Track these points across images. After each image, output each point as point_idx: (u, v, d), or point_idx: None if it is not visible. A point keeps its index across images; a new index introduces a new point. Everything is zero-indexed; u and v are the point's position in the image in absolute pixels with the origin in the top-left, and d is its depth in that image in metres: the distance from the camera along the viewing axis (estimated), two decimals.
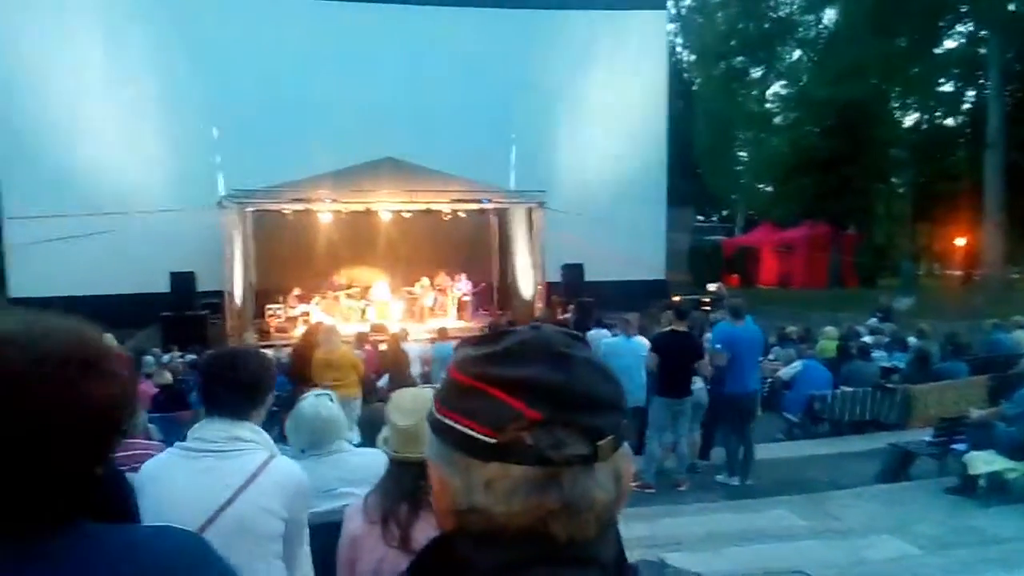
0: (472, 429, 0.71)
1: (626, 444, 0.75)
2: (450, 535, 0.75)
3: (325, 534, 2.29)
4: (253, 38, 19.87)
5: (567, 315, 16.03)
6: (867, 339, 11.71)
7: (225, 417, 2.05)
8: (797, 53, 31.81)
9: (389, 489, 2.17)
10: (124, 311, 14.18)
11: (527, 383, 0.70)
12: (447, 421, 0.74)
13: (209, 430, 2.04)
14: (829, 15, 29.63)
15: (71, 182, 17.92)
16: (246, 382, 2.08)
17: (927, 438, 6.79)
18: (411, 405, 2.20)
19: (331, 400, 2.96)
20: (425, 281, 18.19)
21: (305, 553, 2.16)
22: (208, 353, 2.36)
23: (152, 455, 4.43)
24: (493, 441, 0.69)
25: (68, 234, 15.47)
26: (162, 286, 16.10)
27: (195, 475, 1.96)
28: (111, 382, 0.91)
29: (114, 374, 0.92)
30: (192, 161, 18.53)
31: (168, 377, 8.86)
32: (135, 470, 3.21)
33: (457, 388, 0.74)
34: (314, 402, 2.93)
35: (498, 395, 0.71)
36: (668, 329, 7.02)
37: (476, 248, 20.20)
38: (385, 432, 2.25)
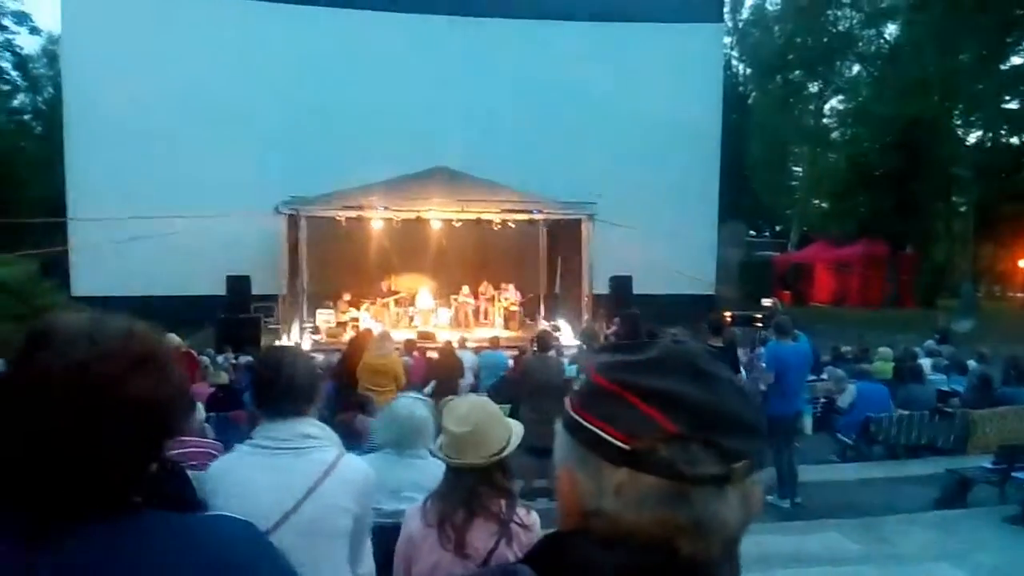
0: (607, 433, 0.71)
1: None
2: (568, 534, 0.76)
3: (385, 534, 2.32)
4: (314, 50, 20.35)
5: (613, 327, 15.93)
6: (924, 361, 11.37)
7: (285, 416, 2.07)
8: (856, 68, 31.20)
9: (446, 494, 2.20)
10: (181, 312, 14.53)
11: (668, 395, 0.71)
12: (582, 421, 0.74)
13: (278, 429, 2.06)
14: (891, 30, 29.04)
15: (134, 186, 18.51)
16: (302, 381, 2.11)
17: (987, 464, 6.57)
18: (466, 413, 2.23)
19: (425, 406, 2.99)
20: (466, 289, 18.28)
21: (367, 548, 2.19)
22: (257, 356, 2.42)
23: (209, 452, 4.55)
24: (627, 447, 0.70)
25: (129, 237, 15.94)
26: (219, 289, 16.50)
27: (271, 472, 1.98)
28: (162, 381, 0.93)
29: (166, 373, 0.95)
30: (251, 168, 18.98)
31: (224, 377, 9.05)
32: (193, 467, 3.30)
33: (596, 391, 0.75)
34: (409, 403, 2.96)
35: (637, 403, 0.71)
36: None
37: (524, 258, 20.23)
38: (440, 439, 2.28)
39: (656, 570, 0.70)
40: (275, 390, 2.08)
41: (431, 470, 2.88)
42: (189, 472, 2.84)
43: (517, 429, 2.34)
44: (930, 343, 14.35)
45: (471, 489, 2.19)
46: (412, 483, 2.76)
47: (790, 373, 6.74)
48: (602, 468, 0.72)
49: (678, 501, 0.69)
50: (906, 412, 8.69)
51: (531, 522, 2.25)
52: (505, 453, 2.27)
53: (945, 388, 9.90)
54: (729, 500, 0.70)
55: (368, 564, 2.18)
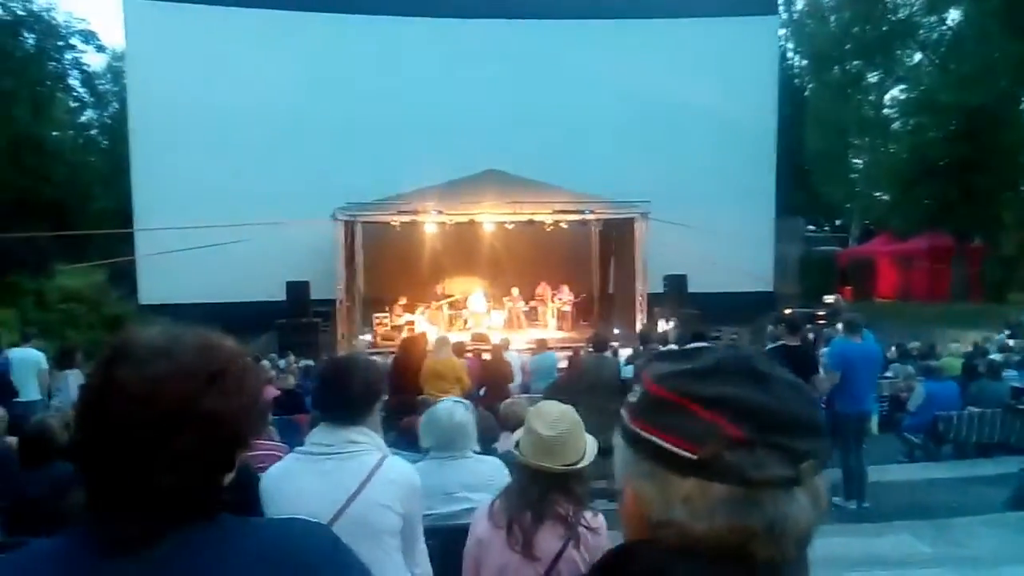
0: (671, 444, 0.71)
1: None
2: (636, 545, 0.76)
3: (444, 536, 2.34)
4: (367, 60, 20.65)
5: (669, 327, 15.76)
6: (996, 357, 10.96)
7: (339, 422, 2.14)
8: (918, 56, 30.22)
9: (515, 496, 2.22)
10: (243, 318, 14.88)
11: (729, 401, 0.71)
12: (643, 433, 0.74)
13: (325, 435, 2.14)
14: (953, 16, 28.05)
15: (197, 196, 19.01)
16: (357, 390, 2.16)
17: None
18: (557, 417, 2.24)
19: (465, 408, 3.02)
20: (515, 292, 18.31)
21: (422, 550, 2.22)
22: (322, 362, 2.49)
23: (275, 455, 4.64)
24: (693, 457, 0.70)
25: (193, 245, 16.40)
26: (279, 295, 16.86)
27: (317, 477, 2.06)
28: (236, 395, 0.96)
29: (241, 387, 0.97)
30: (308, 176, 19.33)
31: (291, 381, 9.26)
32: (261, 468, 3.37)
33: (655, 402, 0.75)
34: (449, 406, 3.01)
35: (698, 411, 0.71)
36: (779, 343, 6.76)
37: (577, 259, 20.19)
38: (519, 437, 2.29)
39: None
40: (334, 398, 2.15)
41: (480, 469, 2.91)
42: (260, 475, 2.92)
43: (592, 441, 2.35)
44: (1001, 338, 13.84)
45: (543, 493, 2.20)
46: (462, 484, 2.80)
47: (858, 372, 6.54)
48: (668, 479, 0.71)
49: (749, 506, 0.69)
50: (977, 410, 8.40)
51: (598, 525, 2.25)
52: (584, 463, 2.28)
53: (1017, 384, 9.52)
54: (799, 501, 0.70)
55: (424, 565, 2.22)
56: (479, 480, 2.84)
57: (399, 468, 2.15)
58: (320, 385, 2.23)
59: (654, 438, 0.73)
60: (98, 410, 0.91)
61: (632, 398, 0.79)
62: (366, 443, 2.13)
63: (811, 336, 10.33)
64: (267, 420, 5.07)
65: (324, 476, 2.05)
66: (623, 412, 0.79)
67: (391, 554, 2.06)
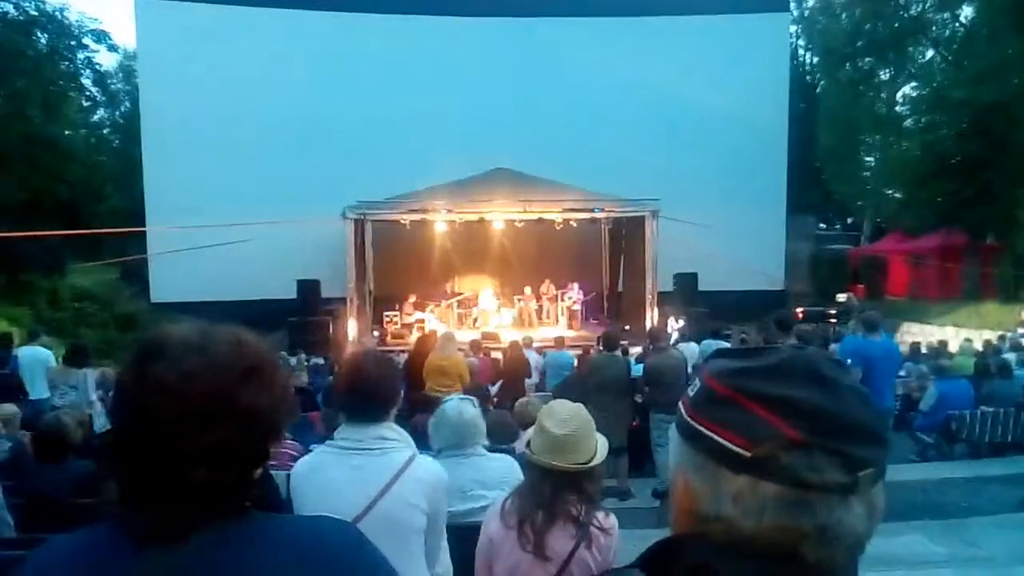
0: (726, 440, 0.71)
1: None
2: (685, 538, 0.76)
3: (461, 533, 2.35)
4: (376, 58, 20.66)
5: (679, 325, 15.72)
6: (1009, 356, 10.89)
7: (366, 419, 2.15)
8: (930, 53, 30.03)
9: (527, 495, 2.22)
10: (254, 316, 14.90)
11: (789, 402, 0.70)
12: (699, 427, 0.74)
13: (354, 431, 2.15)
14: (966, 12, 27.86)
15: (208, 195, 19.12)
16: (382, 389, 2.18)
17: None
18: (568, 416, 2.24)
19: (473, 405, 3.03)
20: (528, 290, 18.31)
21: (444, 548, 2.24)
22: (345, 359, 2.49)
23: (289, 453, 4.65)
24: (747, 454, 0.70)
25: (204, 244, 16.47)
26: (289, 293, 16.92)
27: (348, 472, 2.07)
28: (269, 389, 0.98)
29: (273, 381, 0.99)
30: (319, 174, 19.38)
31: (304, 379, 9.30)
32: (274, 466, 3.39)
33: (714, 397, 0.75)
34: (457, 404, 3.01)
35: (757, 410, 0.71)
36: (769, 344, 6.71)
37: (587, 257, 20.17)
38: (530, 436, 2.29)
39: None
40: (357, 395, 2.16)
41: (492, 466, 2.91)
42: (272, 471, 2.94)
43: (603, 441, 2.35)
44: (1014, 336, 13.75)
45: (555, 492, 2.20)
46: (475, 481, 2.81)
47: (877, 369, 6.50)
48: (720, 474, 0.72)
49: (801, 508, 0.68)
50: (990, 409, 8.34)
51: (609, 525, 2.25)
52: (595, 462, 2.28)
53: None
54: (854, 508, 0.70)
55: (445, 563, 2.23)
56: (493, 477, 2.85)
57: (428, 467, 2.16)
58: (345, 381, 2.22)
59: (709, 432, 0.73)
60: (135, 405, 0.92)
61: (691, 392, 0.79)
62: (396, 440, 2.15)
63: (810, 334, 10.25)
64: (296, 414, 5.09)
65: (354, 471, 2.07)
66: (681, 405, 0.79)
67: (415, 553, 2.07)
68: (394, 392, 2.25)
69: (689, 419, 0.76)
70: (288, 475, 4.31)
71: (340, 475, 2.07)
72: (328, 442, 2.20)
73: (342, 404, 2.22)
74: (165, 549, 0.90)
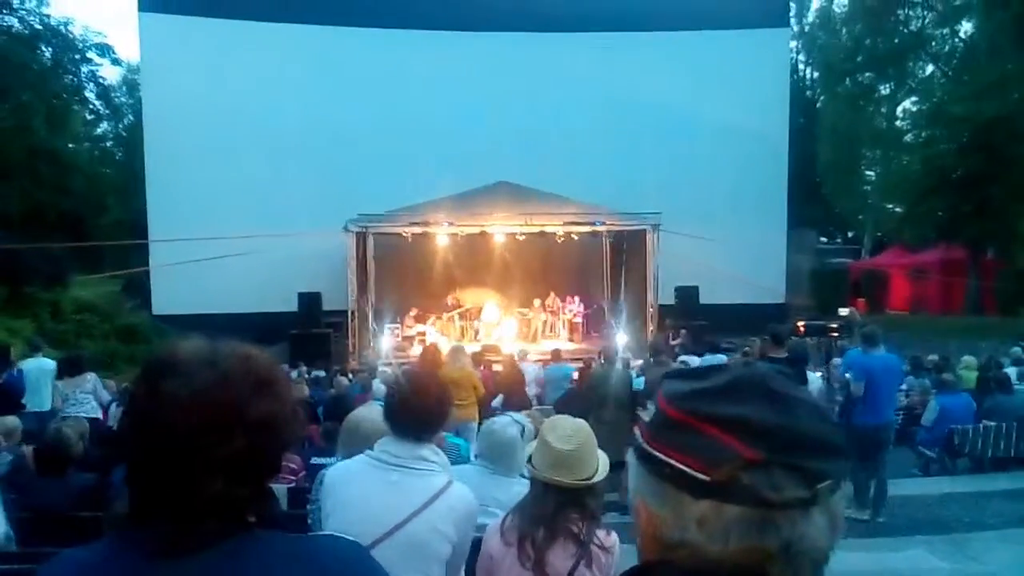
0: (685, 465, 0.70)
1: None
2: (653, 566, 0.75)
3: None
4: (379, 71, 20.76)
5: (679, 339, 15.71)
6: (1010, 370, 10.86)
7: (409, 437, 2.14)
8: (930, 68, 30.18)
9: (528, 511, 2.20)
10: (255, 329, 14.92)
11: (743, 422, 0.70)
12: (657, 454, 0.73)
13: (396, 446, 2.13)
14: (966, 28, 28.02)
15: (210, 207, 19.15)
16: (435, 410, 2.18)
17: None
18: (571, 432, 2.23)
19: (518, 429, 2.97)
20: (536, 303, 18.31)
21: (461, 574, 2.22)
22: (399, 376, 2.48)
23: (289, 467, 4.63)
24: (707, 479, 0.69)
25: (206, 256, 16.50)
26: (291, 305, 16.92)
27: (383, 486, 2.06)
28: (280, 401, 0.99)
29: (283, 393, 1.01)
30: (320, 187, 19.44)
31: (305, 391, 9.27)
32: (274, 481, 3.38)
33: (668, 422, 0.74)
34: (507, 421, 2.98)
35: (713, 433, 0.70)
36: (765, 358, 6.71)
37: (588, 270, 20.17)
38: (531, 451, 2.28)
39: None
40: (408, 414, 2.15)
41: (515, 490, 2.88)
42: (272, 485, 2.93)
43: (604, 457, 2.33)
44: (1016, 351, 13.72)
45: (556, 509, 2.19)
46: (496, 500, 2.77)
47: (879, 383, 6.49)
48: (682, 500, 0.70)
49: (764, 528, 0.68)
50: (992, 423, 8.32)
51: (610, 544, 2.23)
52: (597, 479, 2.27)
53: None
54: (816, 521, 0.69)
55: None
56: (513, 499, 2.83)
57: (463, 495, 2.14)
58: (398, 397, 2.20)
59: (667, 458, 0.72)
60: (149, 422, 0.93)
61: (646, 417, 0.79)
62: (435, 463, 2.14)
63: (809, 348, 10.23)
64: (306, 426, 5.08)
65: (390, 486, 2.06)
66: (637, 431, 0.79)
67: None
68: (447, 415, 2.25)
69: (647, 445, 0.75)
70: (287, 489, 4.31)
71: (375, 488, 2.06)
72: (368, 452, 2.19)
73: (393, 417, 2.19)
74: (176, 564, 0.91)
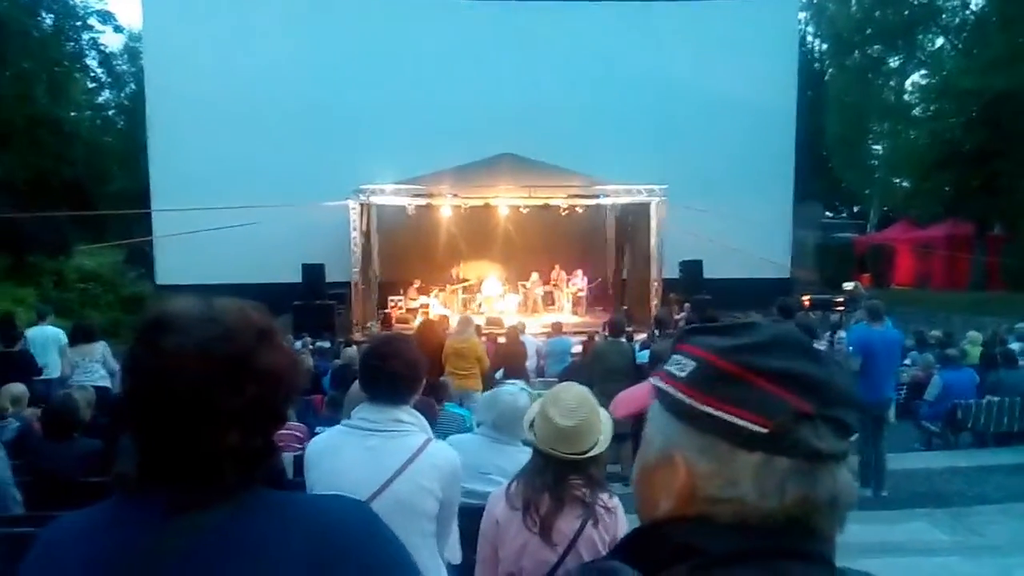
0: (741, 418, 0.70)
1: None
2: (666, 521, 0.75)
3: (472, 513, 2.36)
4: (383, 40, 20.56)
5: (683, 313, 15.69)
6: (1014, 346, 10.85)
7: (385, 402, 2.16)
8: (940, 41, 29.81)
9: (532, 478, 2.21)
10: (259, 299, 14.88)
11: (796, 376, 0.71)
12: (707, 408, 0.73)
13: (372, 412, 2.15)
14: (976, 0, 27.64)
15: (213, 177, 19.08)
16: (405, 373, 2.18)
17: None
18: (574, 405, 2.22)
19: (528, 396, 3.01)
20: (535, 276, 18.29)
21: (454, 534, 2.25)
22: (369, 342, 2.50)
23: (294, 435, 4.65)
24: (764, 431, 0.69)
25: (209, 226, 16.47)
26: (294, 276, 16.93)
27: (362, 452, 2.08)
28: (282, 351, 1.00)
29: (284, 346, 1.02)
30: (324, 157, 19.32)
31: (310, 362, 9.31)
32: (280, 448, 3.39)
33: (719, 375, 0.73)
34: (515, 391, 3.03)
35: (765, 385, 0.71)
36: None
37: (592, 243, 20.13)
38: (533, 420, 2.28)
39: (786, 551, 0.69)
40: (380, 378, 2.17)
41: (519, 458, 2.89)
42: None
43: (608, 422, 2.31)
44: (1021, 326, 13.71)
45: (559, 477, 2.19)
46: (499, 468, 2.80)
47: (878, 359, 6.48)
48: (734, 453, 0.70)
49: (811, 480, 0.69)
50: (996, 398, 8.33)
51: (614, 506, 2.24)
52: (600, 449, 2.26)
53: None
54: (847, 475, 0.72)
55: (454, 547, 2.24)
56: (516, 467, 2.84)
57: (443, 453, 2.17)
58: (369, 364, 2.23)
59: (719, 412, 0.72)
60: (154, 379, 0.92)
61: (678, 371, 0.77)
62: (412, 424, 2.16)
63: (811, 322, 10.22)
64: (308, 377, 5.11)
65: (369, 451, 2.08)
66: (666, 385, 0.77)
67: (426, 537, 2.08)
68: (420, 378, 2.27)
69: (690, 400, 0.74)
70: (294, 457, 4.34)
71: (355, 455, 2.08)
72: (345, 421, 2.22)
73: (366, 384, 2.22)
74: (188, 519, 0.90)
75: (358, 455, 2.07)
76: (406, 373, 2.19)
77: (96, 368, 7.79)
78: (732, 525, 0.70)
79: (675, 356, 0.79)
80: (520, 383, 3.34)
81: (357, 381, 3.12)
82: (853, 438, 0.72)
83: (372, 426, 2.12)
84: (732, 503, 0.70)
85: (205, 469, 0.92)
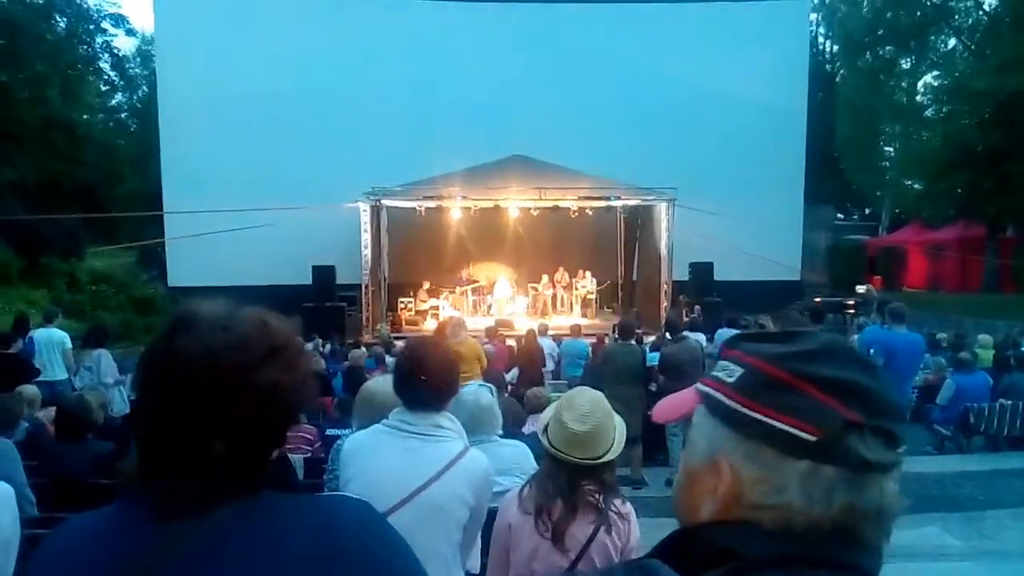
0: (789, 425, 0.71)
1: None
2: (708, 525, 0.75)
3: None
4: (393, 43, 20.59)
5: (693, 315, 15.63)
6: None
7: (425, 409, 2.16)
8: (952, 42, 29.64)
9: (544, 484, 2.21)
10: (269, 302, 14.88)
11: (844, 384, 0.71)
12: (754, 414, 0.73)
13: (412, 416, 2.15)
14: (990, 1, 27.45)
15: (225, 179, 19.15)
16: (442, 378, 2.18)
17: None
18: (588, 410, 2.22)
19: (491, 392, 3.03)
20: (546, 279, 18.29)
21: (477, 544, 2.28)
22: (405, 348, 2.49)
23: (305, 437, 4.66)
24: (812, 439, 0.70)
25: (220, 228, 16.54)
26: (305, 278, 16.97)
27: (400, 453, 2.08)
28: (291, 369, 0.99)
29: (296, 363, 1.01)
30: (336, 160, 19.37)
31: (321, 364, 9.33)
32: (290, 450, 3.41)
33: (769, 382, 0.74)
34: (475, 391, 3.03)
35: (815, 393, 0.71)
36: None
37: (602, 245, 20.11)
38: (547, 424, 2.27)
39: (825, 561, 0.70)
40: (417, 384, 2.16)
41: (506, 454, 2.92)
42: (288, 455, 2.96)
43: (621, 426, 2.32)
44: None
45: (571, 481, 2.19)
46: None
47: (898, 363, 6.44)
48: (782, 461, 0.71)
49: (858, 489, 0.69)
50: (1008, 402, 8.26)
51: (627, 511, 2.24)
52: (614, 455, 2.26)
53: None
54: (893, 486, 0.72)
55: (476, 557, 2.24)
56: (506, 464, 2.85)
57: (480, 462, 2.16)
58: (403, 370, 2.22)
59: (767, 418, 0.72)
60: (160, 378, 0.94)
61: (727, 376, 0.78)
62: (451, 430, 2.16)
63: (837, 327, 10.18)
64: (317, 398, 5.12)
65: (408, 453, 2.08)
66: (716, 392, 0.78)
67: (452, 546, 2.08)
68: (456, 383, 2.28)
69: (738, 406, 0.74)
70: (304, 459, 4.36)
71: (392, 456, 2.08)
72: (384, 422, 2.21)
73: (403, 390, 2.21)
74: (180, 524, 0.91)
75: (395, 456, 2.07)
76: (443, 378, 2.19)
77: (85, 375, 7.79)
78: (775, 531, 0.71)
79: (722, 362, 0.80)
80: (475, 382, 3.36)
81: (367, 382, 3.14)
82: (901, 449, 0.72)
83: (412, 429, 2.12)
84: (777, 509, 0.71)
85: (195, 473, 0.92)
